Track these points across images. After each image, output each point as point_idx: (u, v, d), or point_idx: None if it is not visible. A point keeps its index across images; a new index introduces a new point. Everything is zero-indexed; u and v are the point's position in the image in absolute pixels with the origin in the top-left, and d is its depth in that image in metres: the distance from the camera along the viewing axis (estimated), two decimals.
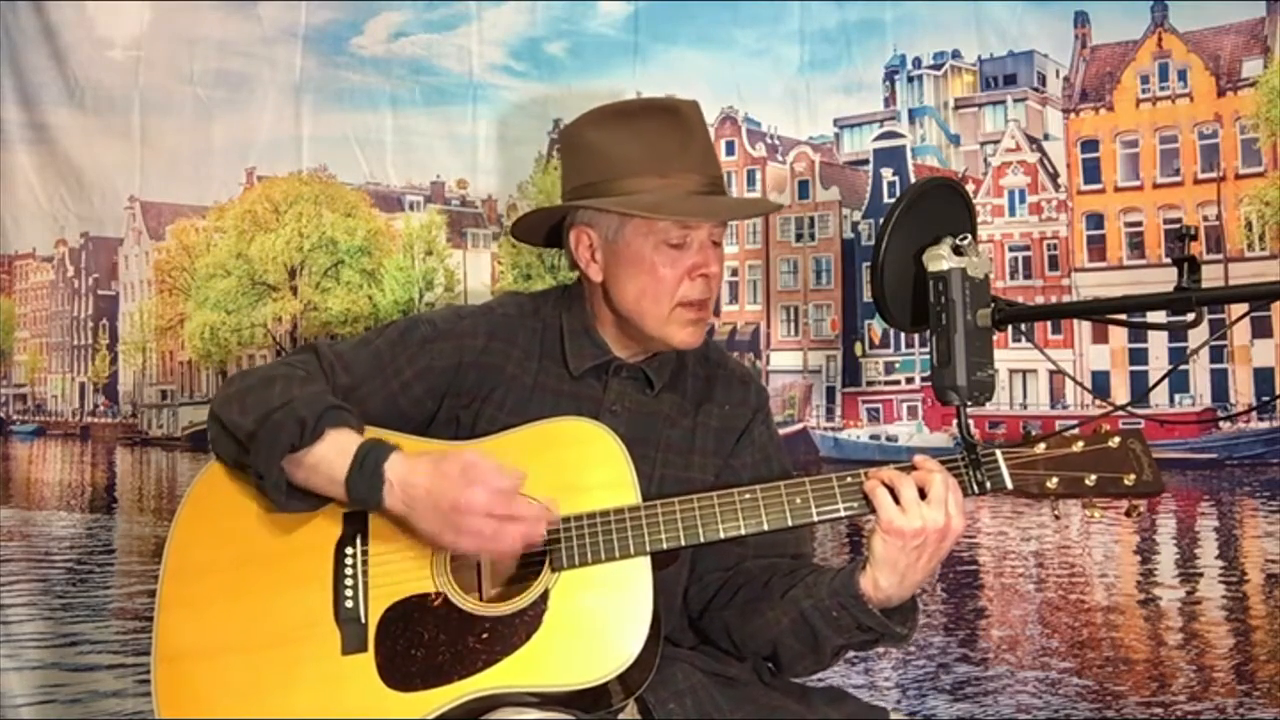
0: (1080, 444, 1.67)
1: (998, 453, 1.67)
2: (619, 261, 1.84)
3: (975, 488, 1.66)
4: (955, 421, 1.64)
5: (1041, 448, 1.67)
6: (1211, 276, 1.73)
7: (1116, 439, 1.66)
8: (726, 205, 1.90)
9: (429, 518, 1.65)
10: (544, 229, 1.98)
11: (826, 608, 1.70)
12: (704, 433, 1.93)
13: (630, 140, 1.84)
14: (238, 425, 1.71)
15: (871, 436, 3.04)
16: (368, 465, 1.65)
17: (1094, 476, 1.65)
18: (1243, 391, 2.74)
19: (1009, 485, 1.66)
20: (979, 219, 1.95)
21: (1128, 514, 1.67)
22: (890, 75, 3.06)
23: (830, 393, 3.09)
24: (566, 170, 1.94)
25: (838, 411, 3.08)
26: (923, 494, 1.63)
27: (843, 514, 1.69)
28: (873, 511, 1.65)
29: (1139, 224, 2.86)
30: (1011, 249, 2.97)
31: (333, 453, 1.67)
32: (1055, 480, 1.66)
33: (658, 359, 1.93)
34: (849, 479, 1.69)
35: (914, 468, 1.67)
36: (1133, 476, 1.64)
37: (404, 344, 1.87)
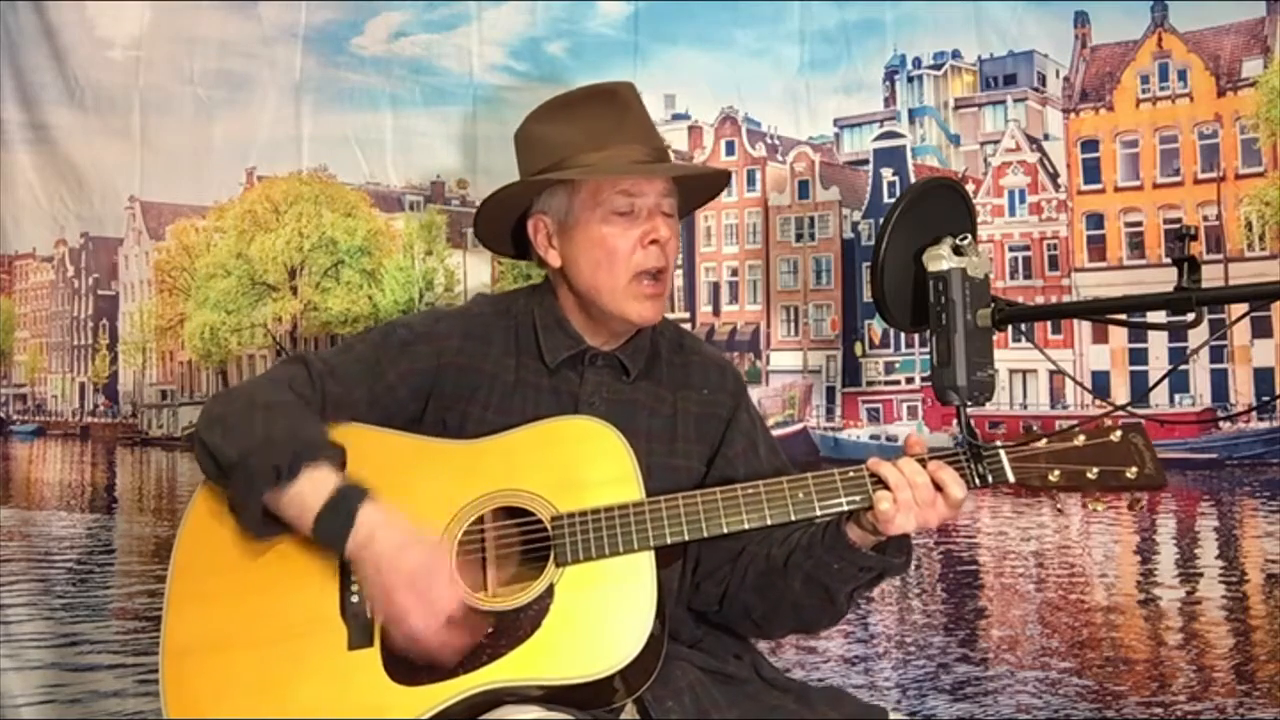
0: (1082, 438, 1.67)
1: (999, 445, 1.68)
2: (572, 241, 1.87)
3: (977, 480, 1.67)
4: (955, 421, 1.64)
5: (1043, 442, 1.68)
6: (1211, 276, 1.73)
7: (1118, 433, 1.66)
8: (664, 167, 1.93)
9: (373, 579, 1.67)
10: (508, 232, 1.99)
11: (826, 563, 1.74)
12: (685, 419, 1.94)
13: (569, 125, 1.89)
14: (220, 453, 1.72)
15: (871, 436, 3.04)
16: (341, 507, 1.67)
17: (1096, 469, 1.65)
18: (1243, 391, 2.74)
19: (1010, 478, 1.67)
20: (979, 219, 1.95)
21: (1130, 507, 1.68)
22: (890, 75, 3.06)
23: (830, 393, 3.09)
24: (520, 168, 1.97)
25: (838, 411, 3.08)
26: (917, 498, 1.65)
27: (845, 508, 1.70)
28: (873, 507, 1.67)
29: (1139, 224, 2.86)
30: (1011, 249, 2.97)
31: (309, 490, 1.68)
32: (1057, 473, 1.66)
33: (631, 345, 1.94)
34: (851, 473, 1.70)
35: (921, 459, 1.68)
36: (1134, 469, 1.64)
37: (385, 348, 1.89)
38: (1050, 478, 1.66)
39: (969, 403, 1.61)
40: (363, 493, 1.68)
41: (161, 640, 1.76)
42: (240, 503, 1.70)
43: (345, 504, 1.67)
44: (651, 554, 1.70)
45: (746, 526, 1.71)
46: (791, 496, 1.70)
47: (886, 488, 1.66)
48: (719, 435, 1.96)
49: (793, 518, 1.71)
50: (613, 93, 1.93)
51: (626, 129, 1.89)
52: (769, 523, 1.70)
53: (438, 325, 1.92)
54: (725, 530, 1.71)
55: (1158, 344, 2.82)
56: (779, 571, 1.82)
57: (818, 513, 1.70)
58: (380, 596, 1.66)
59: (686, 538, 1.71)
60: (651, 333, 1.97)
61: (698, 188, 2.03)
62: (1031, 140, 2.98)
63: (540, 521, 1.73)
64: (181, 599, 1.78)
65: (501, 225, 1.98)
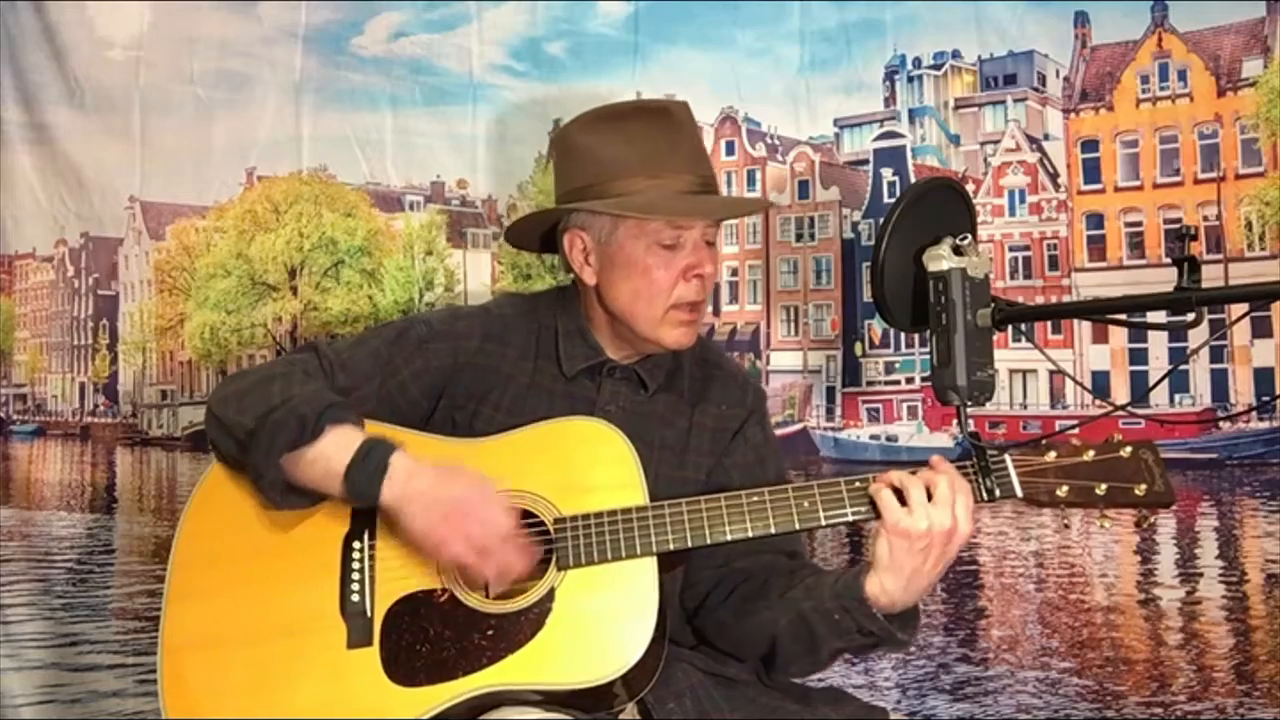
0: (1091, 453, 1.65)
1: (1008, 459, 1.66)
2: (612, 264, 1.84)
3: (985, 494, 1.65)
4: (956, 422, 1.64)
5: (1052, 455, 1.66)
6: (1211, 276, 1.72)
7: (1129, 448, 1.64)
8: (719, 204, 1.90)
9: (423, 515, 1.64)
10: (538, 234, 1.98)
11: (828, 610, 1.69)
12: (699, 432, 1.93)
13: (621, 142, 1.84)
14: (237, 424, 1.71)
15: (872, 436, 3.04)
16: (372, 458, 1.65)
17: (1104, 486, 1.64)
18: (1243, 391, 2.74)
19: (1019, 493, 1.65)
20: (979, 219, 1.95)
21: (1138, 524, 1.66)
22: (890, 75, 3.06)
23: (830, 393, 3.09)
24: (559, 174, 1.94)
25: (838, 411, 3.08)
26: (929, 496, 1.62)
27: (850, 518, 1.68)
28: (878, 516, 1.65)
29: (1139, 224, 2.86)
30: (1011, 249, 2.97)
31: (333, 448, 1.66)
32: (1066, 489, 1.64)
33: (651, 360, 1.93)
34: (857, 483, 1.68)
35: (922, 467, 1.66)
36: (1144, 487, 1.63)
37: (401, 344, 1.87)
38: (1059, 493, 1.64)
39: (969, 403, 1.60)
40: (391, 444, 1.67)
41: (160, 636, 1.76)
42: (263, 465, 1.67)
43: (376, 453, 1.65)
44: (654, 559, 1.69)
45: (750, 534, 1.69)
46: (797, 505, 1.68)
47: (901, 500, 1.63)
48: (725, 445, 1.94)
49: (797, 527, 1.69)
50: (666, 112, 1.87)
51: (679, 155, 1.84)
52: (773, 530, 1.69)
53: (457, 324, 1.90)
54: (729, 537, 1.69)
55: (1158, 344, 2.82)
56: (770, 601, 1.78)
57: (823, 522, 1.68)
58: (438, 525, 1.62)
59: (690, 544, 1.69)
60: None
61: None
62: (1031, 140, 2.98)
63: (542, 523, 1.72)
64: (181, 594, 1.77)
65: (534, 230, 1.97)
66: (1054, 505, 1.66)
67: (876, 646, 1.72)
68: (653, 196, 1.81)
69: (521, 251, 3.24)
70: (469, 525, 1.63)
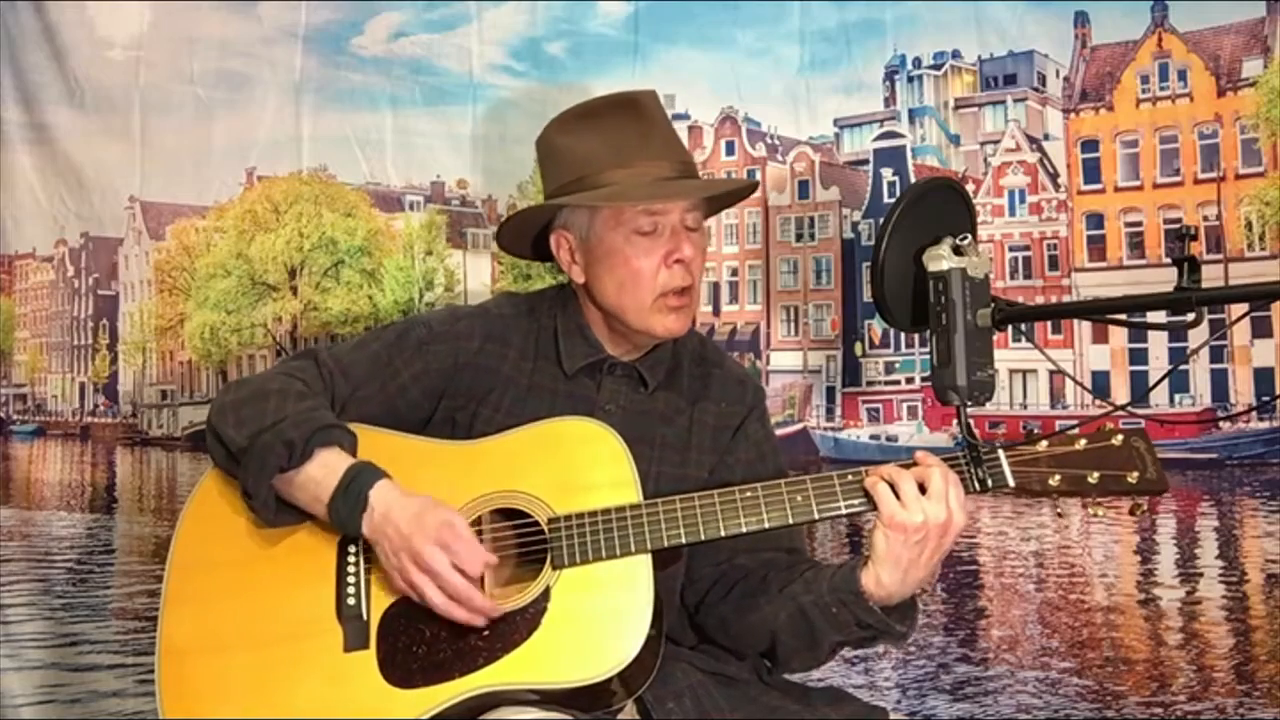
0: (1083, 442, 1.66)
1: (1000, 450, 1.66)
2: (595, 259, 1.85)
3: (977, 485, 1.65)
4: (956, 421, 1.64)
5: (1044, 445, 1.66)
6: (1211, 276, 1.73)
7: (1120, 437, 1.65)
8: (689, 186, 1.88)
9: (389, 557, 1.66)
10: (529, 241, 1.98)
11: (826, 604, 1.70)
12: (700, 430, 1.93)
13: (592, 138, 1.85)
14: (230, 439, 1.72)
15: (871, 436, 3.04)
16: (353, 489, 1.66)
17: (1097, 474, 1.64)
18: (1243, 391, 2.74)
19: (1011, 482, 1.65)
20: (979, 219, 1.95)
21: (1131, 512, 1.66)
22: (890, 75, 3.06)
23: (830, 393, 3.09)
24: (543, 178, 1.95)
25: (838, 411, 3.08)
26: (923, 489, 1.63)
27: (844, 511, 1.68)
28: (874, 508, 1.65)
29: (1139, 224, 2.86)
30: (1011, 249, 2.97)
31: (320, 473, 1.68)
32: (1058, 478, 1.65)
33: (651, 357, 1.93)
34: (850, 476, 1.68)
35: (915, 464, 1.67)
36: (1136, 474, 1.63)
37: (401, 347, 1.88)
38: (1051, 482, 1.65)
39: (969, 403, 1.60)
40: (376, 473, 1.68)
41: (158, 640, 1.76)
42: (253, 486, 1.69)
43: (357, 485, 1.66)
44: (648, 557, 1.69)
45: (744, 529, 1.69)
46: (790, 499, 1.69)
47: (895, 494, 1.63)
48: (726, 443, 1.94)
49: (791, 521, 1.69)
50: (636, 103, 1.88)
51: (651, 144, 1.85)
52: (767, 526, 1.69)
53: (458, 324, 1.91)
54: (723, 533, 1.69)
55: (1158, 344, 2.82)
56: (769, 596, 1.79)
57: (816, 516, 1.68)
58: (409, 564, 1.63)
59: (684, 541, 1.69)
60: (673, 344, 1.95)
61: (725, 192, 2.01)
62: (1031, 140, 2.98)
63: (537, 523, 1.72)
64: (179, 598, 1.78)
65: (524, 235, 1.97)
66: (1046, 494, 1.66)
67: (875, 639, 1.73)
68: (625, 185, 1.81)
69: None
70: (444, 564, 1.62)
